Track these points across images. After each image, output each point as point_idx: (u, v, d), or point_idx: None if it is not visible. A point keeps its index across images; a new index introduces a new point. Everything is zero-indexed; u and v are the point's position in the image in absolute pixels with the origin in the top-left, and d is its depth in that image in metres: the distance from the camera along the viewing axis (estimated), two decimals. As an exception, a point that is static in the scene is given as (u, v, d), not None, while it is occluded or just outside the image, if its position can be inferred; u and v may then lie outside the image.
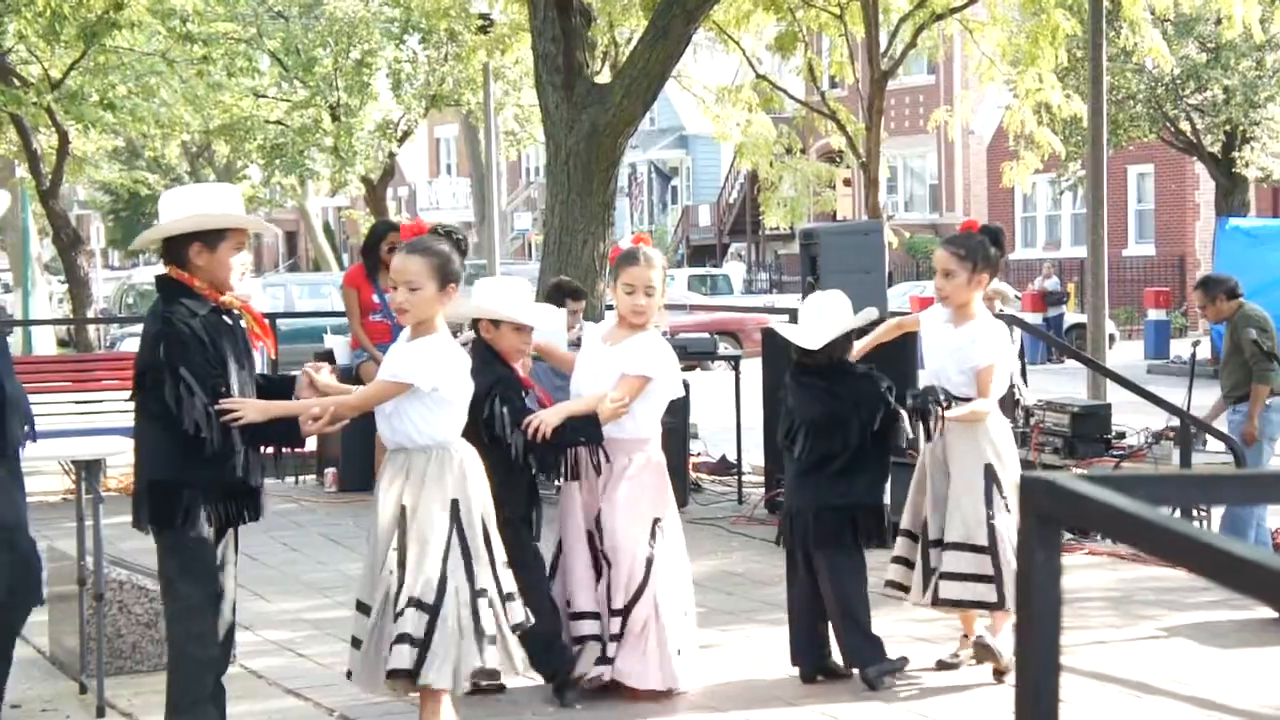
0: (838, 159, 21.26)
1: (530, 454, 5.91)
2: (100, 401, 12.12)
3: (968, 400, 6.46)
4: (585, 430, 5.96)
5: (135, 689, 6.68)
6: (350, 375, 11.68)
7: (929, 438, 6.48)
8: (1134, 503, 1.98)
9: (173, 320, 5.20)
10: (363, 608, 5.46)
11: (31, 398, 11.89)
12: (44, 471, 11.54)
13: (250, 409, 5.21)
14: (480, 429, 5.79)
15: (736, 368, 11.76)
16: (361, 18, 25.35)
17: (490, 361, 5.99)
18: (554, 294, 10.03)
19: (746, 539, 9.59)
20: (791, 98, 18.92)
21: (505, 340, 6.09)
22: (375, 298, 11.56)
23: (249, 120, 25.73)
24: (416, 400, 5.36)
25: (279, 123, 26.16)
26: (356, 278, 11.75)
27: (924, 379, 6.91)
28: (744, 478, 11.33)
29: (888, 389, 6.42)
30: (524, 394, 6.09)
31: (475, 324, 6.19)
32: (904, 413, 6.38)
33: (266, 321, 5.69)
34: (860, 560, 6.47)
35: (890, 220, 23.83)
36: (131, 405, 5.38)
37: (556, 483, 6.21)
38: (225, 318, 5.34)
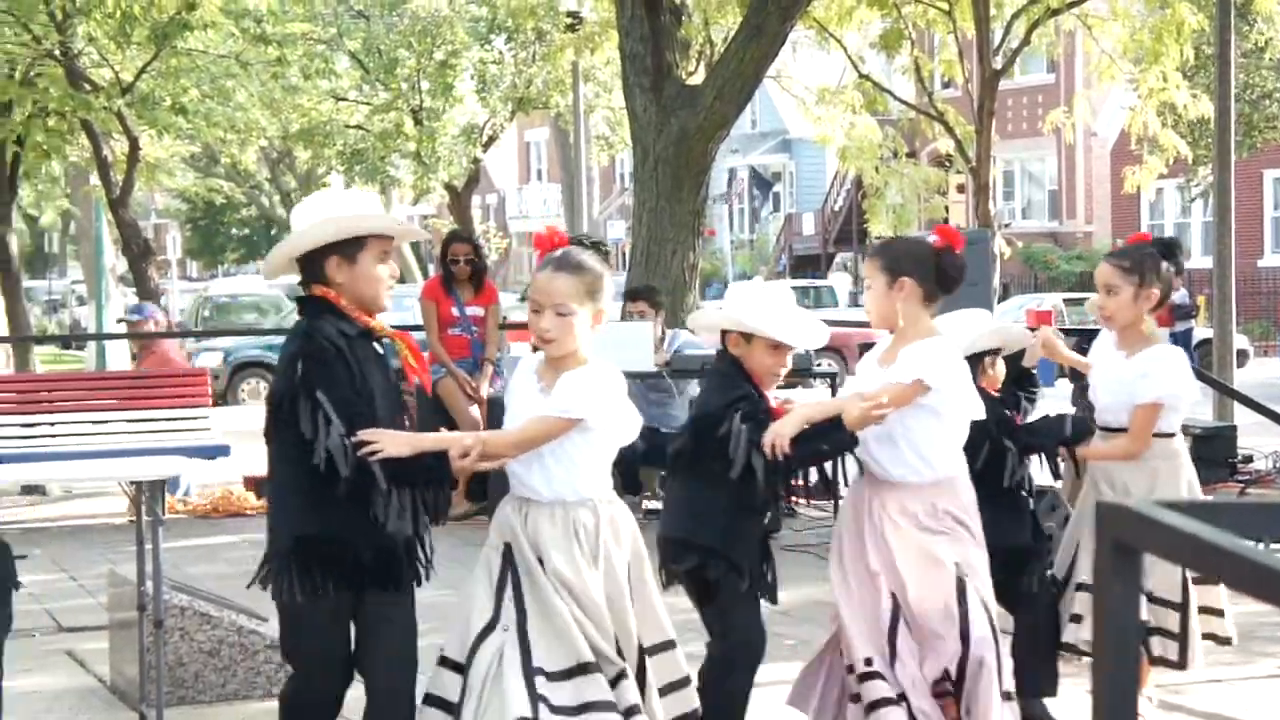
0: (947, 163, 21.14)
1: (773, 478, 5.19)
2: (171, 420, 12.29)
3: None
4: (829, 438, 5.20)
5: (197, 720, 6.77)
6: (427, 395, 11.77)
7: (1055, 476, 6.15)
8: (1217, 532, 1.95)
9: (315, 337, 4.80)
10: (451, 664, 4.90)
11: (96, 415, 12.19)
12: (109, 493, 11.71)
13: (391, 440, 4.72)
14: (708, 458, 5.21)
15: (834, 385, 11.71)
16: (446, 17, 25.56)
17: (733, 377, 5.35)
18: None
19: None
20: (896, 99, 18.85)
21: (757, 359, 5.35)
22: (454, 310, 11.64)
23: (328, 125, 26.01)
24: (584, 443, 4.83)
25: (359, 127, 26.44)
26: (435, 290, 11.83)
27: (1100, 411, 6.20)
28: (841, 502, 11.27)
29: (997, 423, 5.84)
30: (770, 417, 5.30)
31: (723, 336, 5.49)
32: (1011, 449, 5.89)
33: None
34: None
35: (1005, 228, 23.67)
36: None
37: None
38: (375, 345, 4.94)
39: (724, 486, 5.19)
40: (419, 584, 5.02)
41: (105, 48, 17.46)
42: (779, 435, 5.09)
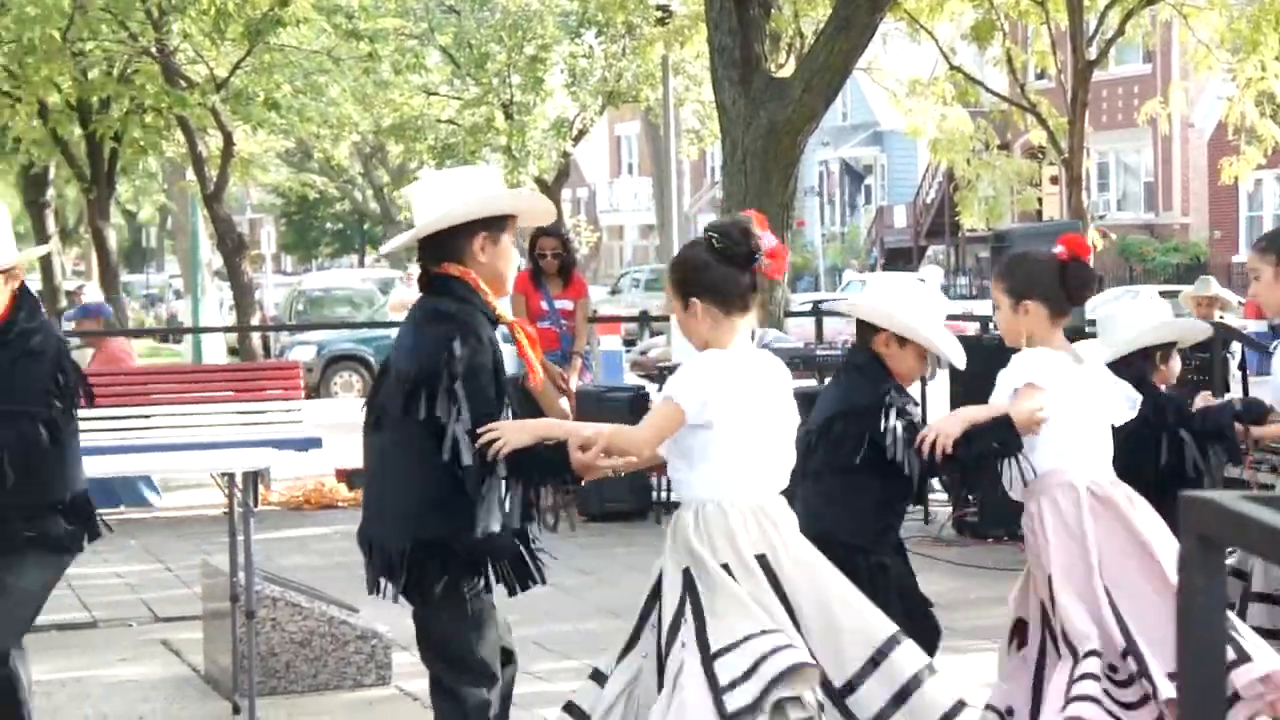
0: (1040, 155, 20.97)
1: (933, 476, 4.99)
2: (263, 412, 12.43)
3: None
4: (998, 437, 4.96)
5: (289, 710, 6.83)
6: (516, 384, 11.84)
7: (1234, 462, 5.93)
8: (1302, 526, 1.93)
9: (471, 322, 4.58)
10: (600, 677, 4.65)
11: (194, 408, 12.35)
12: (205, 484, 11.85)
13: (513, 431, 4.51)
14: (850, 453, 5.00)
15: (923, 381, 11.65)
16: (536, 11, 25.64)
17: (874, 369, 5.09)
18: None
19: (932, 561, 9.50)
20: (988, 90, 18.71)
21: (908, 364, 5.11)
22: (543, 304, 11.69)
23: (420, 119, 26.17)
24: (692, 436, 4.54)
25: (451, 122, 26.58)
26: (524, 283, 11.88)
27: None
28: (930, 497, 11.23)
29: (1175, 413, 5.63)
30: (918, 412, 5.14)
31: (862, 331, 5.18)
32: (1188, 440, 5.64)
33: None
34: None
35: (1100, 220, 23.44)
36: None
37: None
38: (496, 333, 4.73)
39: (868, 482, 5.02)
40: (539, 583, 4.82)
41: (200, 44, 17.67)
42: (943, 434, 4.88)
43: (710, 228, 4.64)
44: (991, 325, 11.26)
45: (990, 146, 18.87)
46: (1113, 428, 5.33)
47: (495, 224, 4.71)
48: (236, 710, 6.72)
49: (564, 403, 11.43)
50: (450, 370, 4.50)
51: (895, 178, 52.46)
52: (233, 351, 24.25)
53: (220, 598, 7.00)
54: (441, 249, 4.70)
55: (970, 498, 10.71)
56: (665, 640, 4.42)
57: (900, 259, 48.38)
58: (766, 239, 4.57)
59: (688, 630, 4.36)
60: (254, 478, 6.71)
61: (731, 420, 4.47)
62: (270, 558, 9.15)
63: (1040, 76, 23.06)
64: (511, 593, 4.75)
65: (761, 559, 4.43)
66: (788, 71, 12.74)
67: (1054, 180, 38.95)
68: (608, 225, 59.82)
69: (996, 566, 9.32)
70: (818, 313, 15.37)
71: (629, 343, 20.02)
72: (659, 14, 22.23)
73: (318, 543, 10.68)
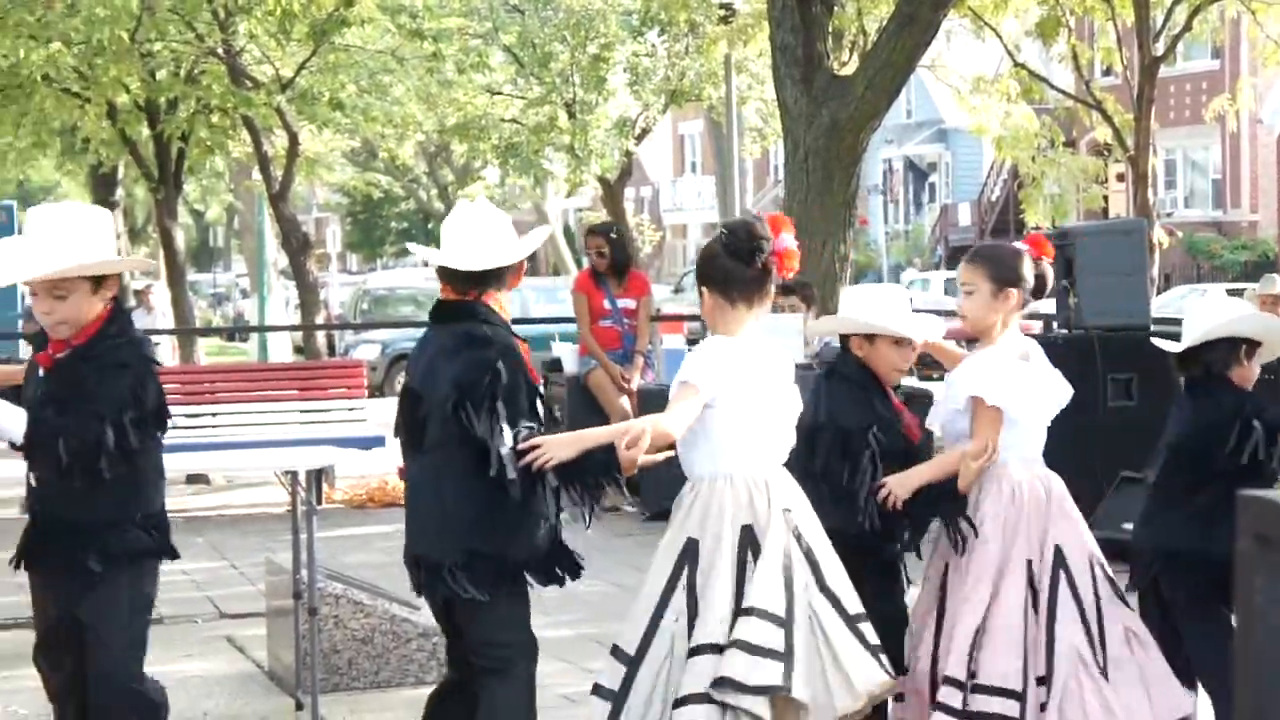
0: (1106, 152, 20.81)
1: (887, 523, 5.34)
2: (326, 411, 12.49)
3: None
4: (942, 507, 5.41)
5: (351, 706, 6.87)
6: (578, 383, 11.86)
7: None
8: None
9: (509, 345, 4.93)
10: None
11: (258, 406, 12.42)
12: (269, 482, 11.93)
13: (556, 445, 4.82)
14: (824, 466, 5.40)
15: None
16: (599, 10, 25.63)
17: (864, 386, 5.50)
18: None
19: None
20: (1053, 87, 18.60)
21: (883, 357, 5.52)
22: (605, 303, 11.71)
23: (483, 118, 26.22)
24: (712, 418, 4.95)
25: (514, 121, 26.61)
26: (585, 283, 11.91)
27: None
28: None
29: (1256, 410, 5.52)
30: (898, 419, 5.51)
31: (844, 341, 5.64)
32: (1259, 432, 5.49)
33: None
34: (1225, 626, 5.46)
35: (1167, 218, 23.25)
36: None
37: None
38: None
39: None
40: (574, 578, 5.11)
41: (266, 45, 17.76)
42: (899, 487, 5.29)
43: (723, 224, 5.08)
44: (1055, 325, 11.20)
45: (1055, 144, 18.75)
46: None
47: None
48: (299, 706, 6.76)
49: (625, 402, 11.44)
50: (493, 391, 4.80)
51: (960, 175, 52.19)
52: (298, 350, 24.40)
53: (284, 595, 7.05)
54: (480, 281, 5.01)
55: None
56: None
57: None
58: (781, 239, 4.95)
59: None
60: (317, 476, 6.76)
61: (731, 399, 4.85)
62: (333, 555, 9.20)
63: (1106, 73, 22.88)
64: (546, 585, 5.07)
65: (747, 529, 4.80)
66: (851, 69, 12.71)
67: (1120, 178, 38.64)
68: (671, 224, 59.78)
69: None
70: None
71: (692, 341, 19.97)
72: (722, 12, 22.19)
73: (380, 541, 10.72)
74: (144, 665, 5.09)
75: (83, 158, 22.94)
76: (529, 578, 5.00)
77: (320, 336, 19.36)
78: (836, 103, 11.65)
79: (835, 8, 12.84)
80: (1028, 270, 5.46)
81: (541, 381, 5.36)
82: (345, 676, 7.08)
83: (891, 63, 11.64)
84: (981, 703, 5.16)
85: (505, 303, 5.09)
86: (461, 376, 4.86)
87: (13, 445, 5.01)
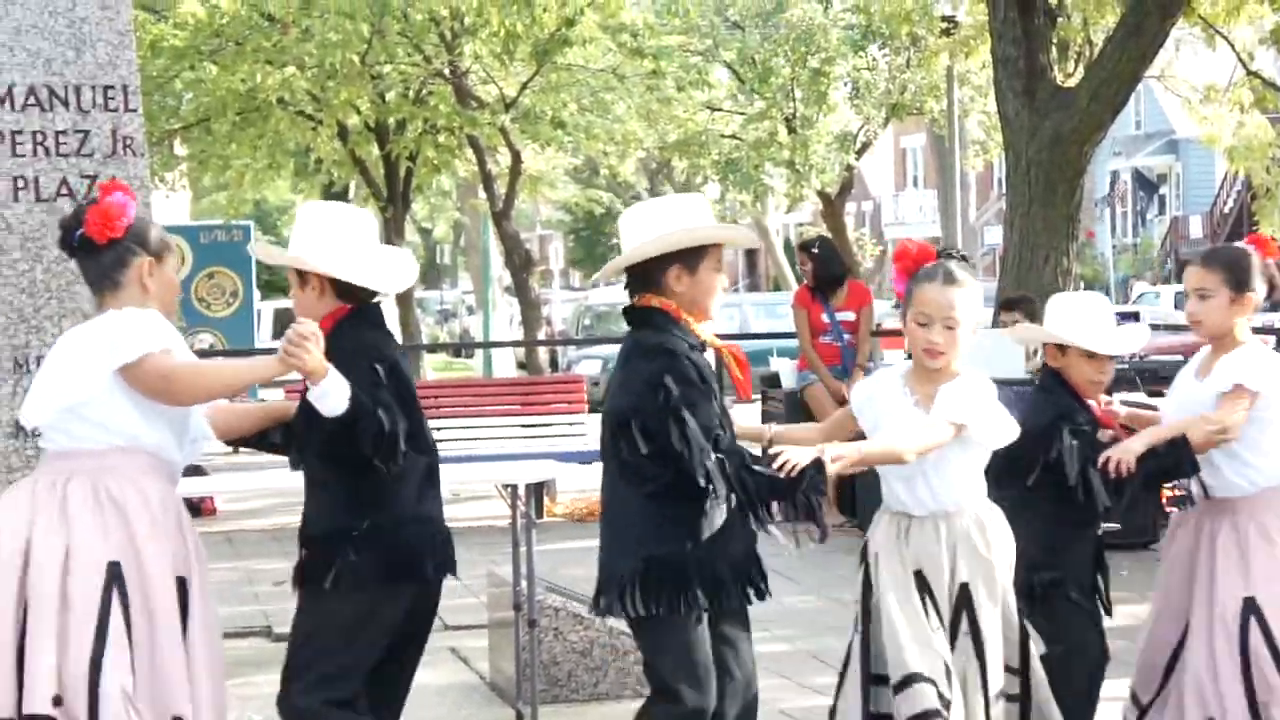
0: (1346, 162, 20.18)
1: (1116, 495, 5.18)
2: (547, 425, 12.64)
3: None
4: (1175, 458, 5.18)
5: (570, 718, 6.94)
6: (795, 399, 11.84)
7: None
8: None
9: (677, 354, 4.72)
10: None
11: (481, 420, 12.59)
12: (492, 495, 12.10)
13: (797, 454, 4.64)
14: (1031, 472, 5.24)
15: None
16: (820, 25, 25.57)
17: (1055, 391, 5.39)
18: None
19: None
20: (1288, 95, 18.11)
21: (1077, 370, 5.37)
22: (824, 317, 11.67)
23: (704, 135, 26.32)
24: (963, 453, 4.91)
25: (734, 136, 26.66)
26: (804, 298, 11.89)
27: None
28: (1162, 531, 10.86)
29: None
30: (1097, 428, 5.37)
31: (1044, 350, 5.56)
32: None
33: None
34: None
35: None
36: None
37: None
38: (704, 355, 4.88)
39: (1050, 499, 5.22)
40: (763, 598, 4.97)
41: (490, 65, 18.08)
42: (1126, 453, 5.13)
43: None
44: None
45: (1291, 154, 18.27)
46: None
47: (690, 255, 4.79)
48: (520, 717, 6.84)
49: (843, 417, 11.38)
50: (670, 403, 4.65)
51: (1191, 187, 51.02)
52: (521, 365, 24.74)
53: (504, 607, 7.14)
54: (642, 280, 4.84)
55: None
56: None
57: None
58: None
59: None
60: (538, 489, 6.85)
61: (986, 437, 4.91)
62: (554, 568, 9.28)
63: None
64: (740, 603, 4.93)
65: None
66: (1077, 80, 12.51)
67: (1360, 187, 37.32)
68: (892, 238, 59.37)
69: None
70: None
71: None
72: (944, 25, 22.00)
73: (600, 554, 10.81)
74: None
75: (315, 178, 23.56)
76: (701, 596, 4.77)
77: (543, 352, 19.64)
78: (1060, 115, 11.48)
79: (1059, 19, 12.66)
80: (1261, 271, 5.35)
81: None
82: (565, 688, 7.15)
83: (1117, 74, 11.44)
84: None
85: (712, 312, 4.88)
86: (630, 390, 4.80)
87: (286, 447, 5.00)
